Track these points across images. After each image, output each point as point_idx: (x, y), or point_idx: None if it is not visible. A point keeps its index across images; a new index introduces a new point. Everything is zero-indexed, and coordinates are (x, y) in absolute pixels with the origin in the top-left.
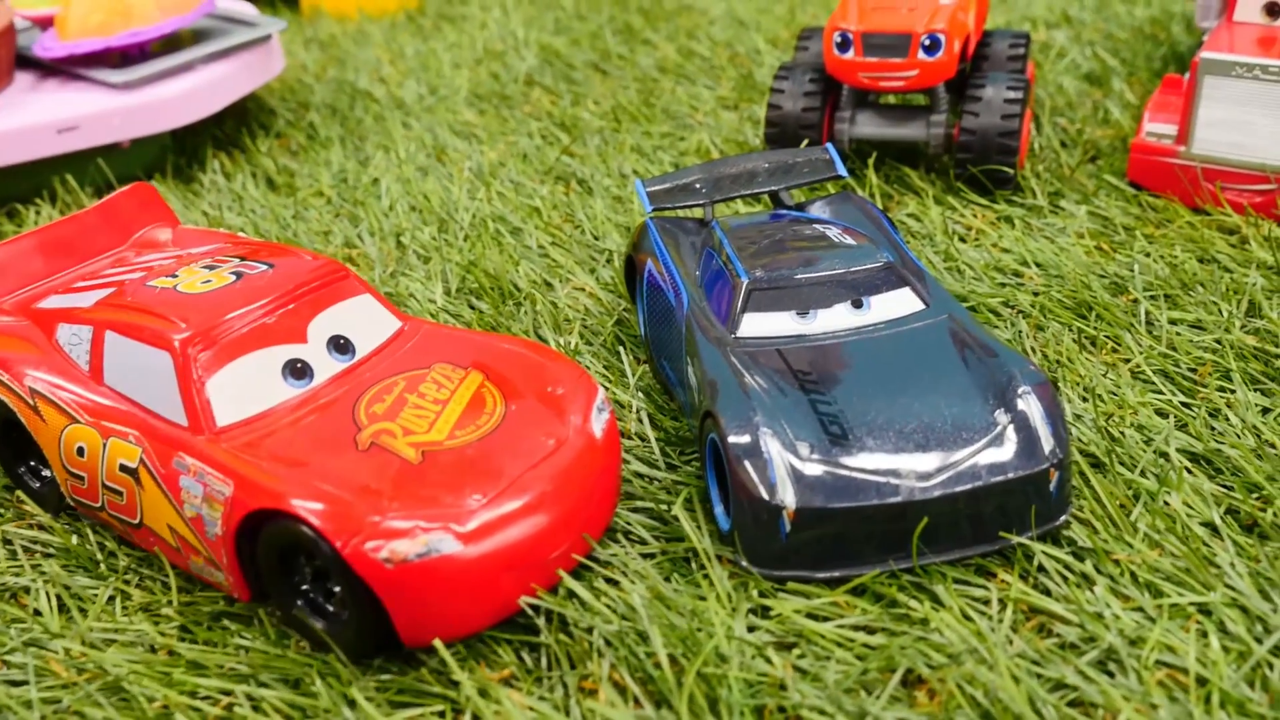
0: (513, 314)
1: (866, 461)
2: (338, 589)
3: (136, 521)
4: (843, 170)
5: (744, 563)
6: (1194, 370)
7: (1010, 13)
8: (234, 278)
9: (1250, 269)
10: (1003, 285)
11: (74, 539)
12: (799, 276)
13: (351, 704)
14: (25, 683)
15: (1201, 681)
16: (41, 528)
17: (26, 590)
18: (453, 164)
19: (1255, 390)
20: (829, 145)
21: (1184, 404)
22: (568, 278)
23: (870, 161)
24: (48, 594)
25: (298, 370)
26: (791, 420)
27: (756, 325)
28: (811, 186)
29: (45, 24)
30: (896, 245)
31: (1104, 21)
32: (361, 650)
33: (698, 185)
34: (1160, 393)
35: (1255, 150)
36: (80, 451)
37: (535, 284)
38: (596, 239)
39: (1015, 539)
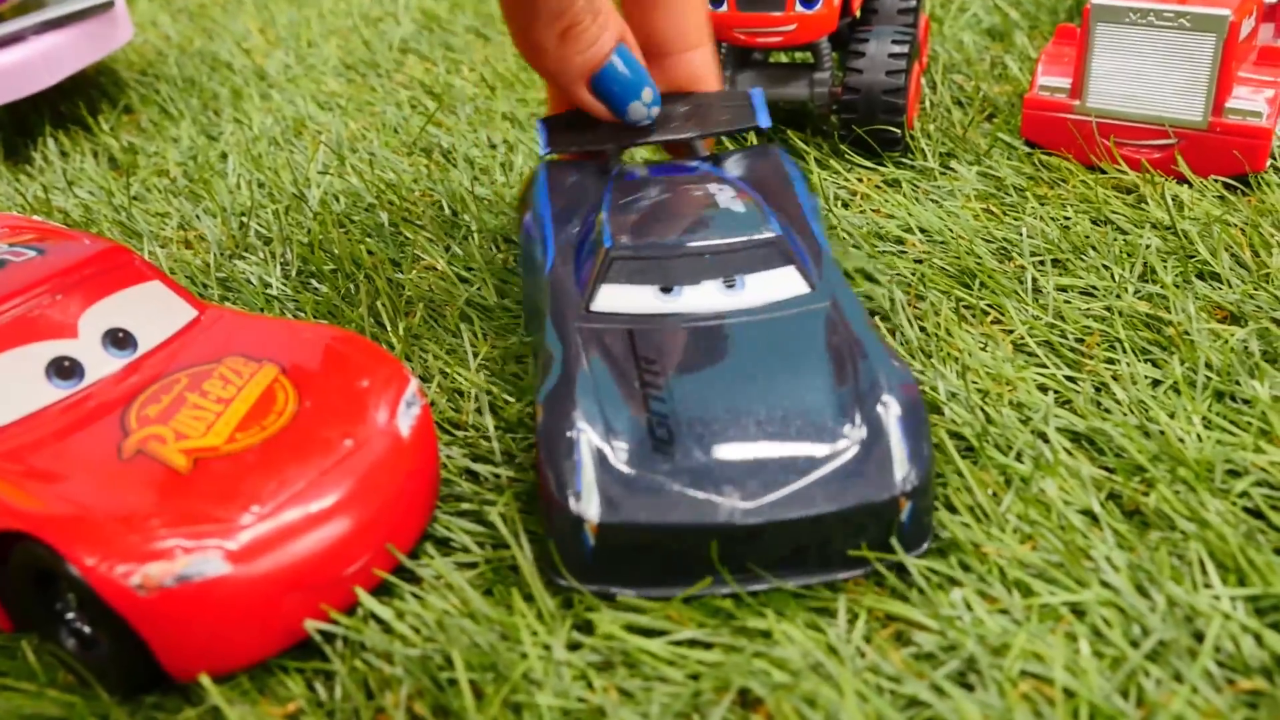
0: (352, 296)
1: (689, 474)
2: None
3: None
4: (764, 120)
5: (560, 573)
6: (1081, 340)
7: None
8: None
9: (1145, 229)
10: (884, 253)
11: None
12: (668, 246)
13: None
14: None
15: (1069, 693)
16: None
17: None
18: (310, 137)
19: (1145, 361)
20: (756, 90)
21: (1068, 378)
22: (418, 256)
23: None
24: None
25: (64, 369)
26: (617, 417)
27: (613, 299)
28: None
29: None
30: (799, 214)
31: None
32: (128, 685)
33: (606, 127)
34: (1044, 366)
35: (1152, 103)
36: None
37: (380, 264)
38: (455, 214)
39: (843, 575)
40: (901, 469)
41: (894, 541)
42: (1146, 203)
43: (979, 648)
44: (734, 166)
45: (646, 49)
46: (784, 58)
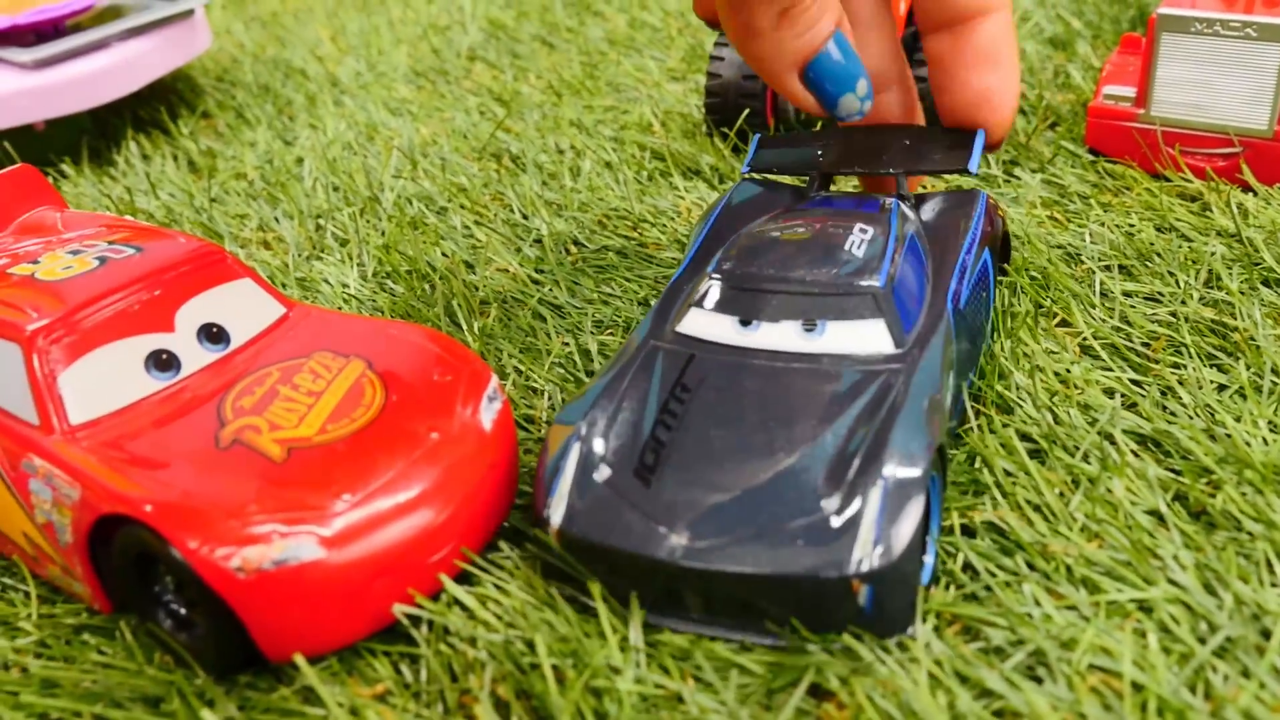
0: (428, 297)
1: (652, 505)
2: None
3: None
4: (973, 165)
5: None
6: (1147, 345)
7: None
8: (97, 263)
9: (1210, 237)
10: None
11: None
12: (762, 280)
13: None
14: None
15: (1137, 687)
16: None
17: None
18: (383, 142)
19: (1210, 366)
20: (980, 132)
21: (1134, 381)
22: (490, 259)
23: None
24: None
25: (162, 362)
26: (620, 436)
27: (696, 324)
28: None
29: None
30: (949, 270)
31: None
32: (224, 665)
33: (818, 152)
34: (1109, 369)
35: (1217, 111)
36: None
37: (454, 265)
38: (525, 218)
39: (784, 636)
40: (861, 551)
41: (852, 625)
42: (1211, 210)
43: (1048, 642)
44: (928, 209)
45: (931, 17)
46: None
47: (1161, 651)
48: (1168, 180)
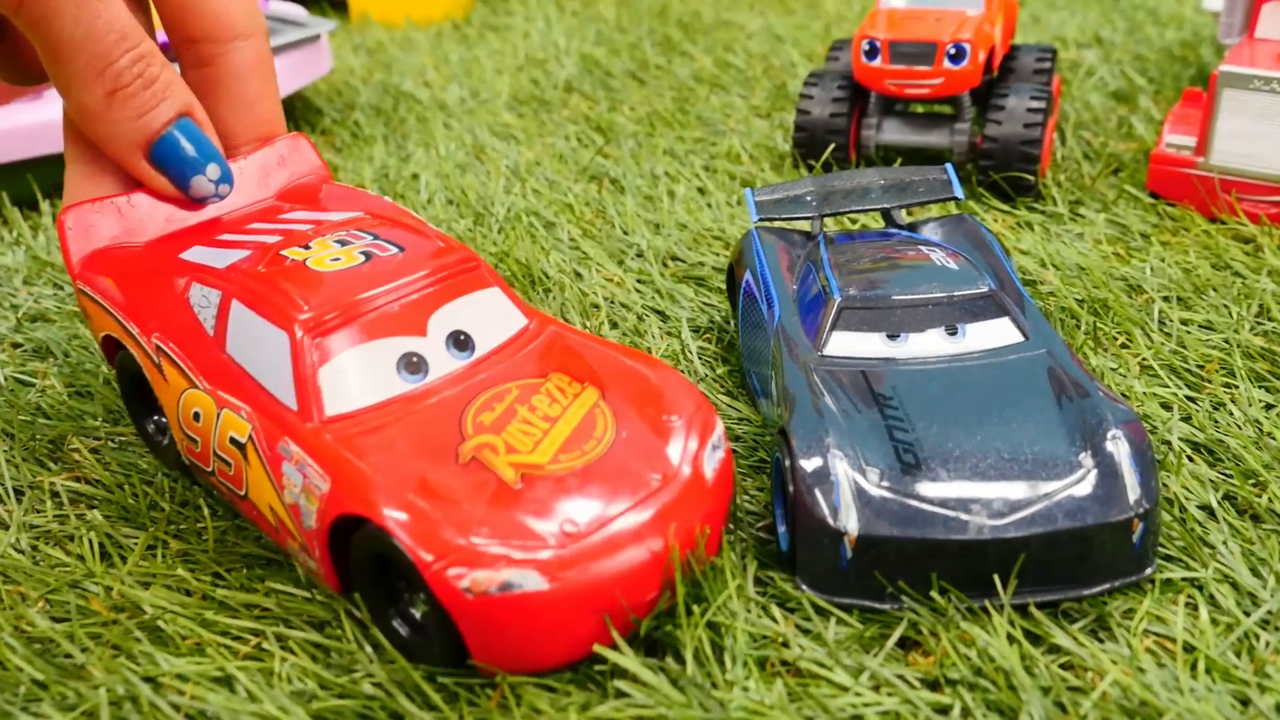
0: (542, 300)
1: (937, 494)
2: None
3: (242, 494)
4: (959, 192)
5: (802, 586)
6: (1201, 367)
7: (1043, 32)
8: (363, 258)
9: (1262, 275)
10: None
11: (117, 491)
12: (893, 298)
13: (376, 646)
14: (68, 619)
15: (1189, 649)
16: (88, 481)
17: (71, 538)
18: (490, 162)
19: (1260, 387)
20: (948, 165)
21: (1189, 398)
22: (597, 268)
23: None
24: (90, 541)
25: (413, 364)
26: (864, 445)
27: (844, 344)
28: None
29: None
30: (1004, 273)
31: (1134, 43)
32: (443, 662)
33: (808, 198)
34: (1166, 386)
35: (1272, 162)
36: (196, 416)
37: (565, 273)
38: (626, 234)
39: (1086, 592)
40: (1134, 493)
41: (1121, 567)
42: (1264, 251)
43: (1109, 609)
44: (933, 233)
45: (178, 40)
46: (919, 108)
47: (1210, 621)
48: (1223, 223)
